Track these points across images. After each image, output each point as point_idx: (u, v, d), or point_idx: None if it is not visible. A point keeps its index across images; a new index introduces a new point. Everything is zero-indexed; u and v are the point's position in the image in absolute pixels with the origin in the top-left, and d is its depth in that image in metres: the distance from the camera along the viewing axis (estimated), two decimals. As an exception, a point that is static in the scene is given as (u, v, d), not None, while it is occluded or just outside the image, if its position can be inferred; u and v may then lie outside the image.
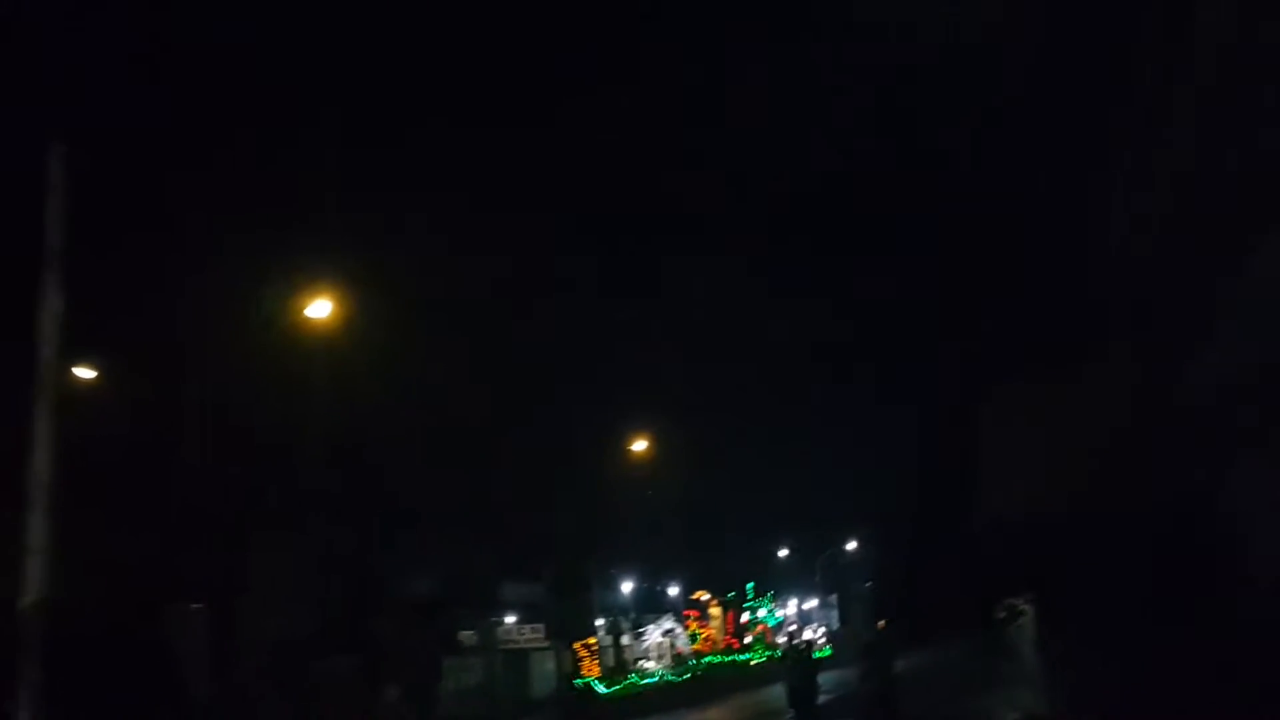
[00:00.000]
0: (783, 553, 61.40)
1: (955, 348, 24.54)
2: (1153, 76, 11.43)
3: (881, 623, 29.49)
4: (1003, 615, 30.04)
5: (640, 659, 38.37)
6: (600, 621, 36.63)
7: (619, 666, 36.25)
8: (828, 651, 45.40)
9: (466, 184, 28.26)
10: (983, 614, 28.94)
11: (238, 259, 20.38)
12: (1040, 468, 18.03)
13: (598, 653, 33.60)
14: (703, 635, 43.85)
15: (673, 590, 45.70)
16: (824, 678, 21.37)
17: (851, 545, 58.71)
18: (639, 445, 32.54)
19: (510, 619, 33.15)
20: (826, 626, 60.66)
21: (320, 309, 17.86)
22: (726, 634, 47.70)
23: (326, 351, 19.99)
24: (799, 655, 19.43)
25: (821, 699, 19.30)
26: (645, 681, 33.49)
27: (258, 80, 21.98)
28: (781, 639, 49.77)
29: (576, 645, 31.67)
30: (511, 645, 32.19)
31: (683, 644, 40.69)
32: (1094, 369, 15.69)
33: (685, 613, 44.24)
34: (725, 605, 48.93)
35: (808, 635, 55.54)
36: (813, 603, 64.53)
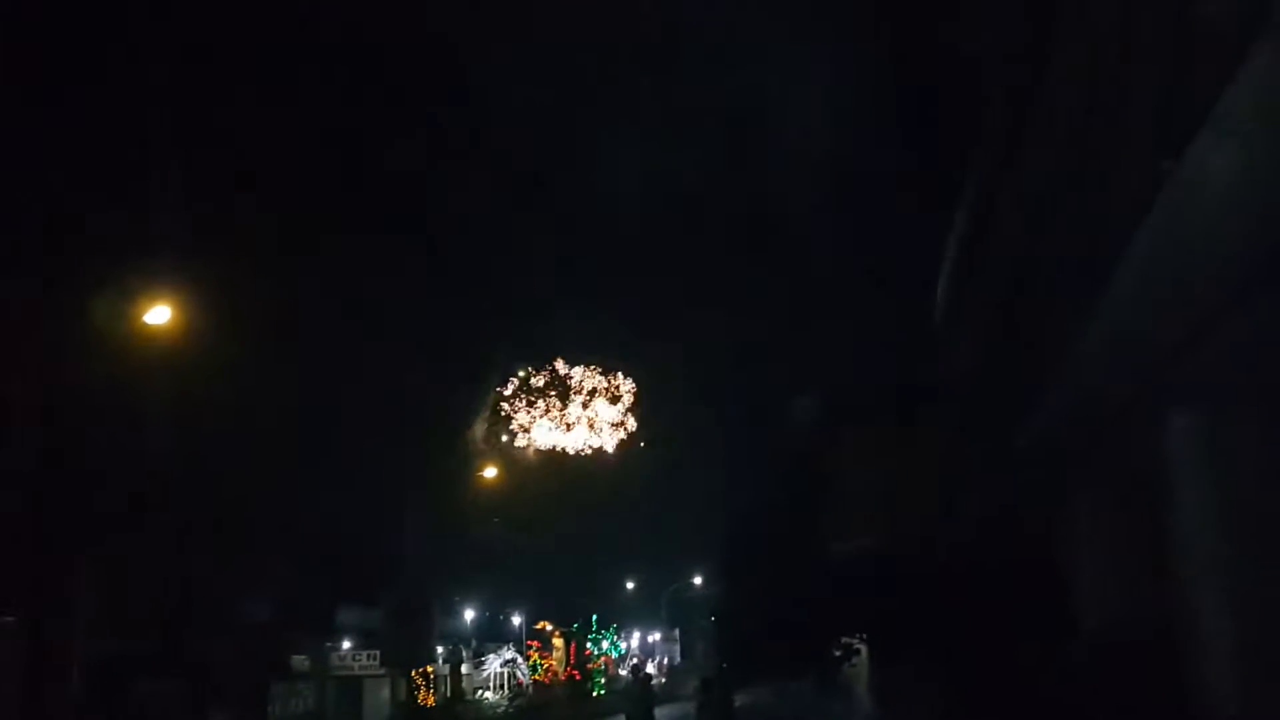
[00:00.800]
0: (629, 585, 61.65)
1: (800, 391, 25.28)
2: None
3: (723, 663, 29.91)
4: (838, 654, 30.92)
5: (480, 689, 37.76)
6: (439, 650, 35.91)
7: (456, 696, 35.57)
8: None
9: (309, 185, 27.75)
10: (819, 652, 29.70)
11: (79, 262, 19.46)
12: (877, 511, 18.69)
13: (435, 682, 32.90)
14: (544, 665, 43.50)
15: (516, 619, 45.24)
16: (662, 711, 21.46)
17: (696, 580, 59.37)
18: (488, 472, 32.21)
19: (346, 644, 32.19)
20: (669, 660, 61.06)
21: (159, 315, 17.15)
22: (569, 665, 47.44)
23: (165, 360, 19.19)
24: (640, 688, 19.46)
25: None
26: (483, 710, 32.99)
27: (98, 75, 21.15)
28: (624, 671, 49.80)
29: (414, 674, 30.93)
30: (345, 672, 31.23)
31: (523, 674, 40.26)
32: (929, 416, 16.43)
33: (528, 643, 43.82)
34: (568, 636, 48.70)
35: (650, 669, 55.82)
36: (656, 636, 64.90)
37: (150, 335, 17.52)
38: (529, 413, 49.52)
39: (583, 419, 51.59)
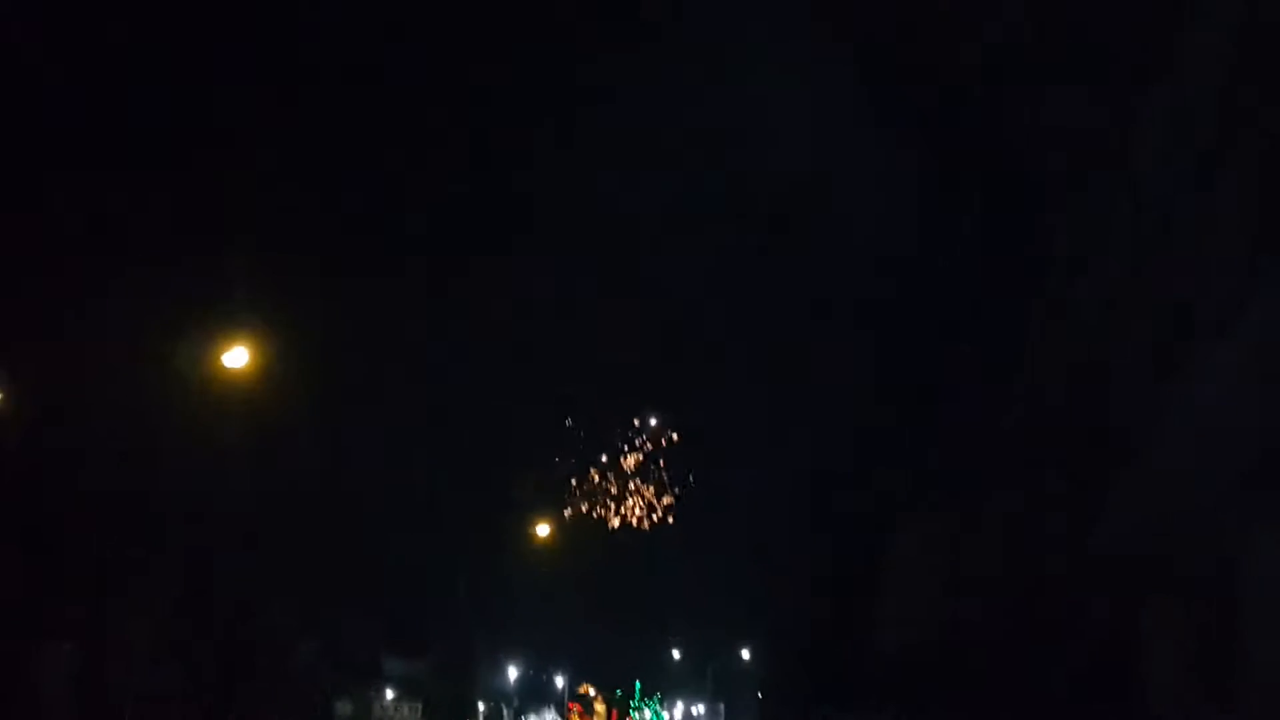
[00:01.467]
0: (675, 654, 60.84)
1: (861, 481, 24.96)
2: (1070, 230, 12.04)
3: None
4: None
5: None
6: (481, 706, 35.68)
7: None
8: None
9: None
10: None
11: (161, 304, 19.97)
12: (928, 597, 18.33)
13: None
14: (591, 729, 43.03)
15: (559, 681, 44.84)
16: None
17: (745, 654, 58.44)
18: (541, 530, 32.20)
19: (389, 694, 32.14)
20: (710, 731, 59.88)
21: (237, 358, 17.53)
22: (616, 731, 46.84)
23: (240, 401, 19.57)
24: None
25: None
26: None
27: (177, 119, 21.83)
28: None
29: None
30: (393, 720, 31.21)
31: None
32: (991, 508, 16.14)
33: (569, 705, 43.35)
34: (610, 702, 48.09)
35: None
36: (700, 708, 63.73)
37: (227, 376, 17.88)
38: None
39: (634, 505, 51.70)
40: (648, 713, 51.40)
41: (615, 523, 49.75)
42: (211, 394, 18.66)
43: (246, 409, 19.99)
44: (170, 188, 21.14)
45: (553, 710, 40.68)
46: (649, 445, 52.94)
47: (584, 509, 47.99)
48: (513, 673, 41.96)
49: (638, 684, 50.58)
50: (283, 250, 23.43)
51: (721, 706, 62.24)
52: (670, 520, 51.98)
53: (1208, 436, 7.29)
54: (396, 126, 28.35)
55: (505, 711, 37.90)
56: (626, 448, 52.31)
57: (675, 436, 52.53)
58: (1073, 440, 10.99)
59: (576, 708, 44.10)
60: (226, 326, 17.97)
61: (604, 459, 51.14)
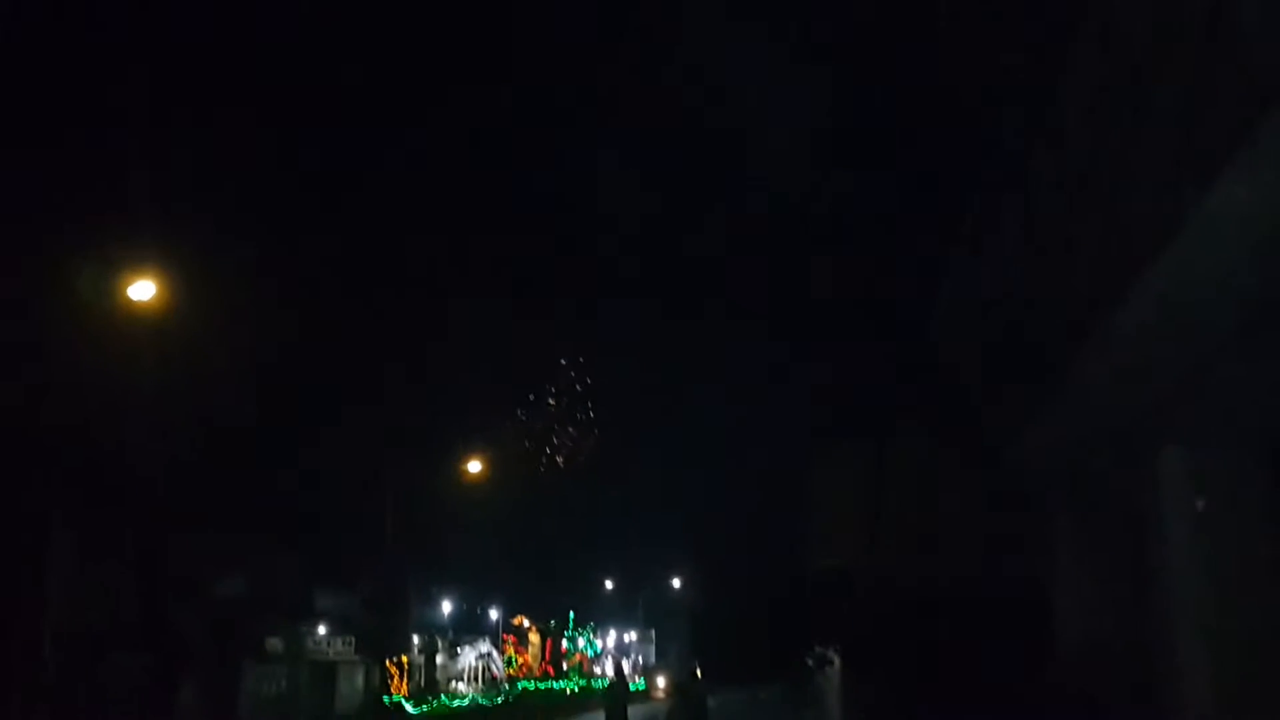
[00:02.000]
0: (608, 585, 61.68)
1: (789, 405, 25.32)
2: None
3: (697, 668, 29.96)
4: (811, 662, 30.99)
5: (454, 680, 37.67)
6: (415, 639, 35.82)
7: (430, 686, 35.48)
8: (641, 685, 45.68)
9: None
10: (793, 660, 29.77)
11: (60, 235, 19.30)
12: (856, 526, 18.70)
13: (409, 671, 32.83)
14: (519, 660, 43.46)
15: (493, 613, 45.18)
16: (635, 710, 21.42)
17: (674, 582, 59.45)
18: (472, 465, 32.12)
19: (321, 629, 32.07)
20: (642, 660, 61.09)
21: (142, 290, 16.97)
22: (543, 661, 47.41)
23: (146, 335, 19.02)
24: (619, 686, 19.46)
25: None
26: (455, 704, 32.86)
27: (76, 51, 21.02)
28: (599, 670, 49.85)
29: (388, 662, 30.84)
30: (319, 656, 31.11)
31: (498, 668, 40.19)
32: (915, 434, 16.41)
33: (504, 637, 43.77)
34: (544, 632, 48.69)
35: (625, 667, 55.78)
36: (632, 635, 64.93)
37: (131, 310, 17.32)
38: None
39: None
40: (581, 641, 52.20)
41: (545, 460, 50.01)
42: (119, 326, 18.06)
43: (156, 341, 19.43)
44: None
45: (487, 642, 41.02)
46: (577, 385, 53.15)
47: (516, 446, 48.11)
48: (447, 606, 42.14)
49: (571, 615, 51.26)
50: (194, 177, 22.81)
51: (653, 633, 63.55)
52: (595, 457, 52.46)
53: (1125, 364, 7.44)
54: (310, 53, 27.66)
55: (440, 644, 38.09)
56: (554, 388, 52.46)
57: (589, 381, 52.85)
58: (994, 363, 11.19)
59: (512, 639, 44.54)
60: (132, 259, 17.34)
61: (533, 398, 51.21)
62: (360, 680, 31.52)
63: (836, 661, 31.71)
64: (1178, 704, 8.85)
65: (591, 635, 54.53)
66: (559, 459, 51.01)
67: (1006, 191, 10.78)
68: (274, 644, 30.12)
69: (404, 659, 32.48)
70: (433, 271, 34.52)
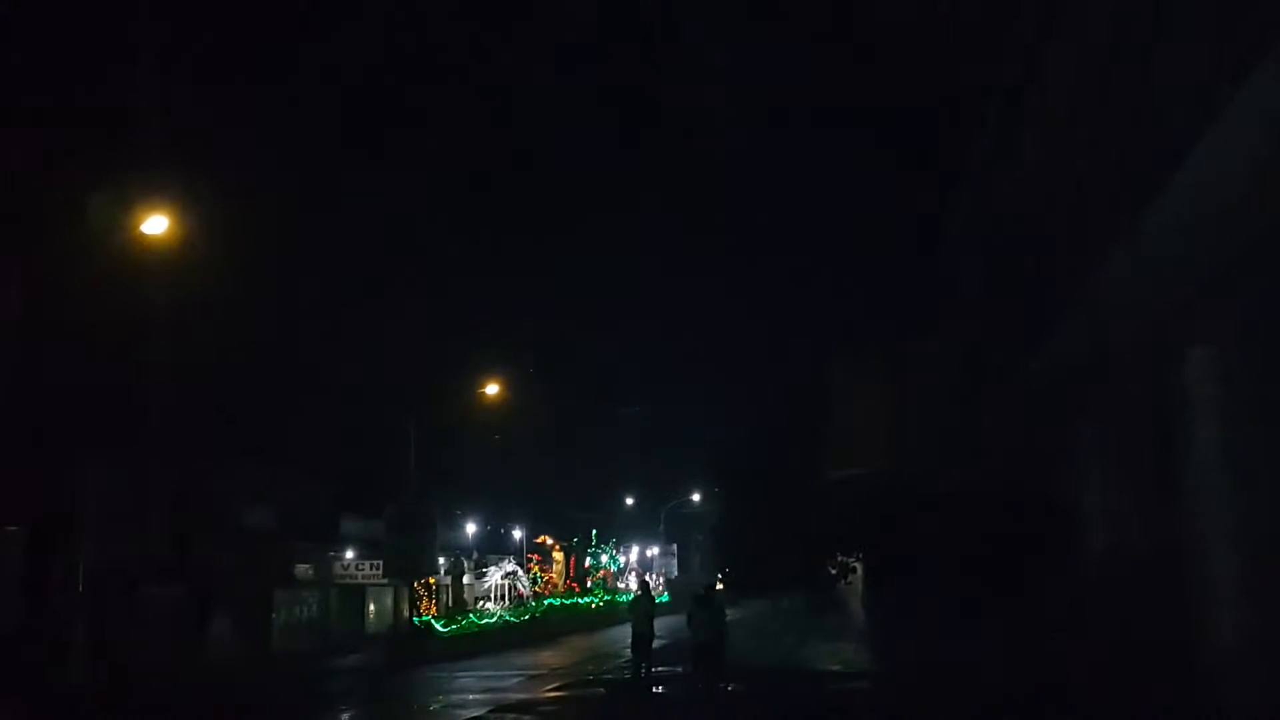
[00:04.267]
0: (629, 501, 62.30)
1: (809, 314, 25.15)
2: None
3: (719, 581, 30.24)
4: (834, 571, 31.28)
5: (481, 599, 38.32)
6: (441, 561, 36.35)
7: (458, 606, 36.13)
8: (665, 598, 46.41)
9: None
10: (816, 569, 30.06)
11: (75, 170, 19.16)
12: (877, 435, 18.65)
13: (437, 591, 33.40)
14: (544, 578, 44.12)
15: (517, 533, 45.75)
16: (659, 624, 21.74)
17: (695, 497, 59.93)
18: (491, 388, 32.17)
19: (349, 554, 32.56)
20: (665, 574, 62.02)
21: (157, 225, 16.82)
22: (568, 578, 48.14)
23: (163, 268, 18.95)
24: (644, 598, 19.64)
25: (656, 644, 19.62)
26: (484, 622, 33.47)
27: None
28: (622, 584, 50.58)
29: (416, 584, 31.34)
30: (348, 580, 31.65)
31: (524, 586, 40.83)
32: (932, 347, 16.26)
33: (528, 555, 44.37)
34: (568, 550, 49.34)
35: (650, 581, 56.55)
36: (654, 550, 65.81)
37: (148, 243, 17.20)
38: None
39: None
40: (604, 557, 52.91)
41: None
42: (134, 260, 17.99)
43: (172, 275, 19.38)
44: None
45: (512, 561, 41.61)
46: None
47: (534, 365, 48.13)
48: (471, 528, 42.67)
49: (594, 531, 51.86)
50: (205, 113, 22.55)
51: (674, 547, 64.41)
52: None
53: (1153, 262, 7.23)
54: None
55: (465, 564, 38.66)
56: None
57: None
58: (1015, 270, 10.97)
59: (536, 558, 45.16)
60: (146, 193, 17.17)
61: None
62: (390, 602, 32.11)
63: (859, 569, 32.10)
64: (1209, 612, 8.80)
65: (614, 551, 55.25)
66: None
67: (1025, 95, 10.46)
68: (304, 570, 30.63)
69: (431, 580, 32.98)
70: (451, 200, 34.29)
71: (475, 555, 41.05)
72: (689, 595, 21.46)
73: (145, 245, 17.18)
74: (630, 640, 18.86)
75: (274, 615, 28.51)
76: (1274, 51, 4.50)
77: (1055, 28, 8.58)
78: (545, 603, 40.05)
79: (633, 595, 21.30)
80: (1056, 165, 8.92)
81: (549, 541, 47.42)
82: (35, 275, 18.73)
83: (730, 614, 24.79)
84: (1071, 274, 8.26)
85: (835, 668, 22.50)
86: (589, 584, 49.11)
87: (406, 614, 30.14)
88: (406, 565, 28.62)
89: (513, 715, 16.75)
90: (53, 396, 21.03)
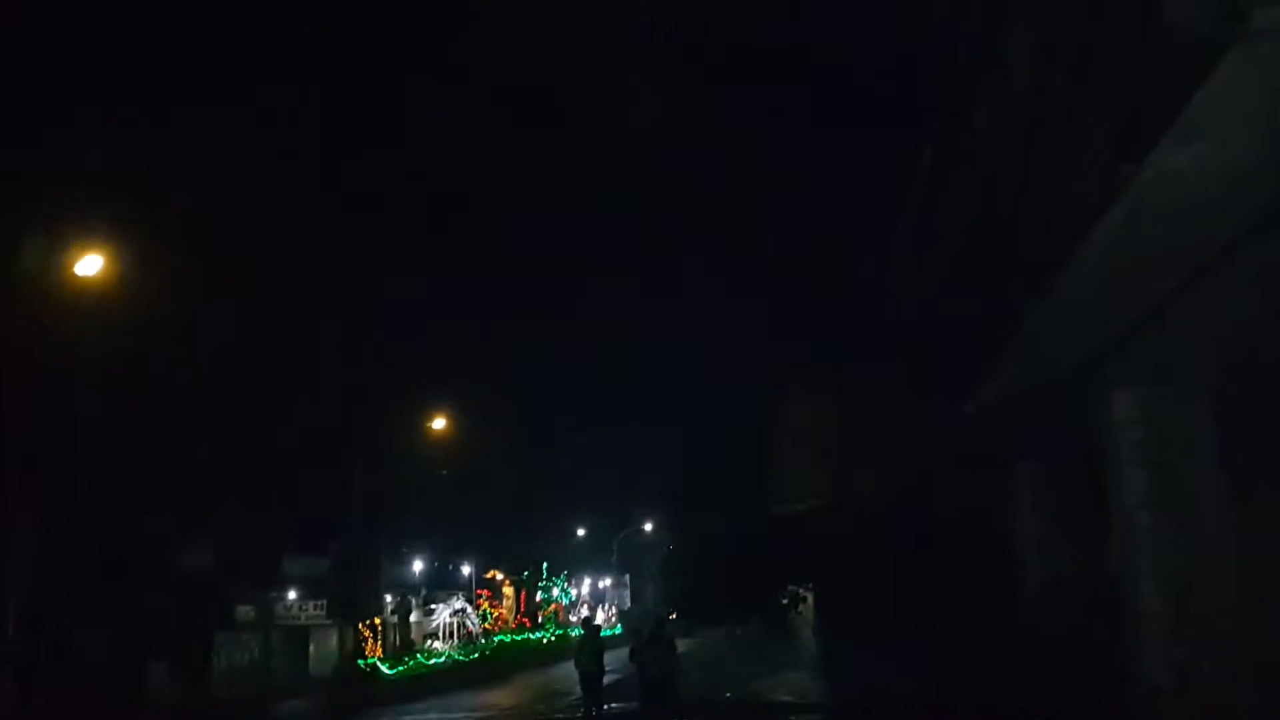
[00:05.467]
0: (580, 532, 61.93)
1: (754, 351, 25.31)
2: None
3: (671, 613, 30.14)
4: (785, 600, 31.31)
5: (429, 638, 37.78)
6: (388, 599, 35.82)
7: (405, 646, 35.57)
8: (618, 629, 46.10)
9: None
10: (767, 598, 30.07)
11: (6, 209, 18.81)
12: (822, 469, 18.77)
13: (383, 631, 32.84)
14: (495, 614, 43.64)
15: (466, 569, 45.24)
16: (614, 656, 21.56)
17: (648, 526, 59.77)
18: (437, 423, 31.89)
19: (291, 594, 31.95)
20: (618, 605, 61.65)
21: (91, 264, 16.56)
22: (519, 613, 47.67)
23: (97, 306, 18.59)
24: (589, 637, 19.46)
25: (609, 679, 19.45)
26: (432, 662, 32.98)
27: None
28: (575, 617, 50.19)
29: (361, 624, 30.82)
30: (291, 621, 31.01)
31: (473, 623, 40.35)
32: (876, 381, 16.41)
33: (478, 591, 43.88)
34: (518, 584, 48.87)
35: (600, 615, 56.24)
36: (607, 582, 65.44)
37: (79, 284, 16.90)
38: None
39: None
40: (555, 590, 52.48)
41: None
42: (67, 300, 17.65)
43: (105, 313, 19.03)
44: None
45: (460, 598, 41.12)
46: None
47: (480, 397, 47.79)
48: (418, 565, 42.13)
49: (545, 565, 51.44)
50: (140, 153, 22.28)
51: (627, 578, 64.08)
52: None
53: (1074, 316, 7.49)
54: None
55: (413, 602, 38.12)
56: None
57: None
58: (949, 315, 11.14)
59: (485, 593, 44.67)
60: (79, 233, 16.91)
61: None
62: (334, 643, 31.49)
63: (809, 598, 32.19)
64: (1137, 641, 8.92)
65: (566, 584, 54.85)
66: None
67: (957, 145, 10.66)
68: (244, 612, 29.98)
69: (377, 620, 32.45)
70: (387, 228, 34.11)
71: (423, 592, 40.50)
72: (633, 632, 21.28)
73: (80, 285, 16.88)
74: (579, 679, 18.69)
75: (214, 659, 27.85)
76: (1168, 137, 4.75)
77: (982, 89, 8.80)
78: (496, 640, 39.59)
79: (580, 634, 21.08)
80: (982, 221, 9.10)
81: (499, 576, 46.96)
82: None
83: (685, 644, 24.68)
84: (997, 322, 8.39)
85: (788, 698, 22.51)
86: (540, 619, 48.66)
87: (352, 655, 29.62)
88: (351, 605, 28.16)
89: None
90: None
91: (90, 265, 16.87)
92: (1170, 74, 4.68)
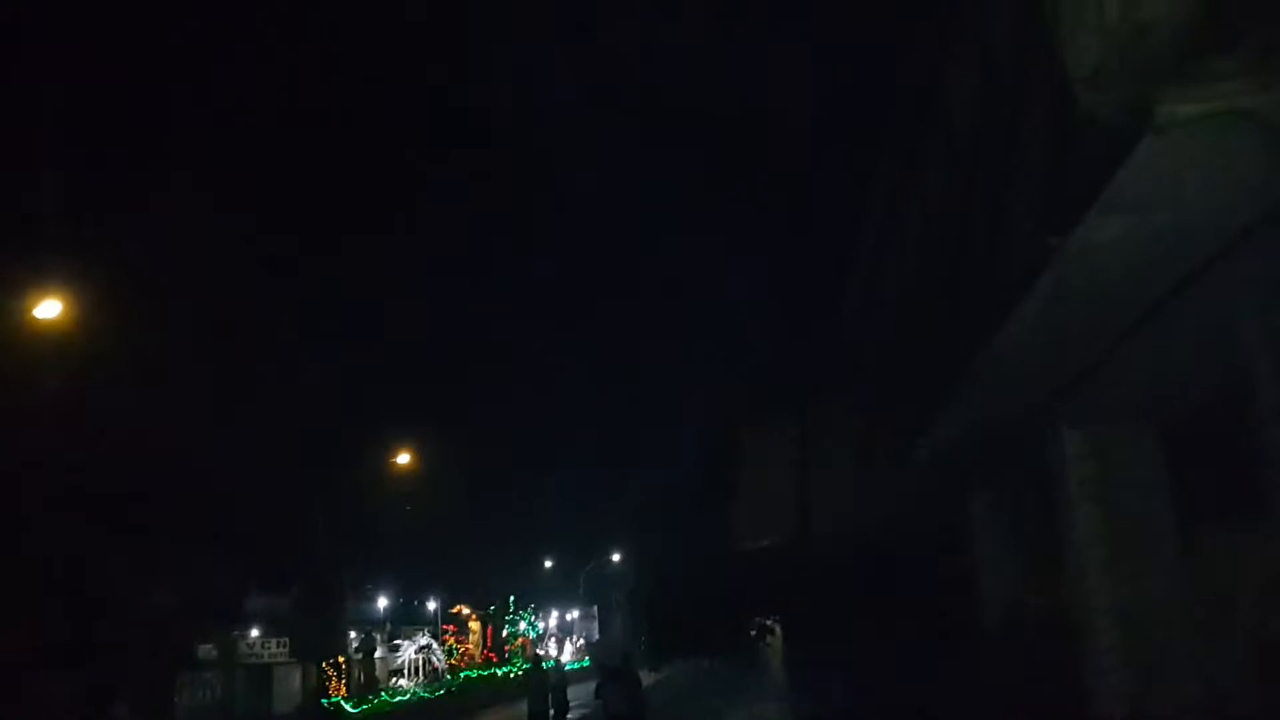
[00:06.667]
0: (547, 564, 61.63)
1: (713, 389, 25.60)
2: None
3: (641, 646, 30.13)
4: (754, 632, 31.39)
5: (394, 675, 37.41)
6: (352, 635, 35.48)
7: (370, 684, 35.20)
8: (586, 662, 45.89)
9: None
10: (735, 631, 30.15)
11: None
12: (784, 503, 19.00)
13: (347, 669, 32.50)
14: (461, 650, 43.29)
15: (431, 604, 44.89)
16: (577, 690, 21.46)
17: (614, 557, 59.61)
18: (401, 458, 31.78)
19: (254, 632, 31.60)
20: (586, 637, 61.31)
21: (50, 309, 16.54)
22: (485, 648, 47.31)
23: (48, 350, 18.50)
24: (537, 677, 19.38)
25: (576, 713, 19.37)
26: (397, 700, 32.66)
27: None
28: (543, 650, 49.89)
29: (325, 663, 30.49)
30: (254, 660, 30.64)
31: (439, 659, 40.00)
32: (836, 413, 16.66)
33: (443, 627, 43.55)
34: (485, 619, 48.52)
35: (567, 647, 55.87)
36: (575, 614, 65.07)
37: (37, 327, 16.85)
38: None
39: None
40: (523, 624, 52.15)
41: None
42: (23, 342, 17.57)
43: (63, 354, 18.91)
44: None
45: (426, 634, 40.77)
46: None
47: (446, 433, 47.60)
48: (383, 601, 41.78)
49: (511, 598, 51.12)
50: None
51: (595, 609, 63.76)
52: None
53: (1017, 371, 7.87)
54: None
55: (378, 639, 37.76)
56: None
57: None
58: (904, 358, 11.42)
59: (452, 629, 44.33)
60: (37, 278, 16.87)
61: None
62: (297, 682, 31.12)
63: (777, 630, 32.26)
64: (1090, 671, 9.13)
65: (533, 617, 54.52)
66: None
67: (904, 206, 11.03)
68: (206, 651, 29.62)
69: (340, 659, 32.14)
70: (351, 258, 34.12)
71: (388, 628, 40.13)
72: (599, 667, 21.28)
73: (36, 328, 16.81)
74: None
75: (176, 699, 27.44)
76: (1090, 213, 5.07)
77: (928, 155, 9.18)
78: (462, 676, 39.25)
79: (528, 667, 21.02)
80: (924, 277, 9.42)
81: (465, 611, 46.61)
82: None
83: (654, 676, 24.58)
84: (947, 369, 8.66)
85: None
86: (507, 653, 48.31)
87: (316, 694, 29.29)
88: (315, 643, 27.87)
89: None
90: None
91: (49, 309, 16.84)
92: (1088, 158, 5.11)
